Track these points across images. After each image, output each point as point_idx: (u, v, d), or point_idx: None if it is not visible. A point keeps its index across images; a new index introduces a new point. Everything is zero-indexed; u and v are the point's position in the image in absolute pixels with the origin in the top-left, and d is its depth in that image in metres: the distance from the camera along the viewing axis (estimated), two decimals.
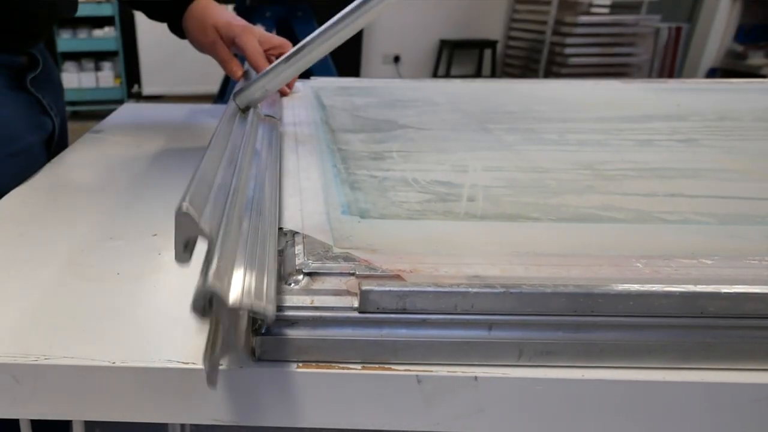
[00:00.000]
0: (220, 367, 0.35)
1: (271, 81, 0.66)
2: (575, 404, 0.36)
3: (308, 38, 0.61)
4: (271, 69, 0.66)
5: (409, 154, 0.61)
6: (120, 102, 5.08)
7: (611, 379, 0.35)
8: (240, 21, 0.84)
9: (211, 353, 0.31)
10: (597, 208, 0.47)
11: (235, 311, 0.30)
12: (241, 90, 0.67)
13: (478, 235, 0.42)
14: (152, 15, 0.88)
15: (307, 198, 0.48)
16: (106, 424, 0.46)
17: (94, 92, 5.01)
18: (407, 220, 0.45)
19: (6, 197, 0.59)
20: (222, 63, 0.84)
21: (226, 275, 0.30)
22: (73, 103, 4.97)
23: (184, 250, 0.34)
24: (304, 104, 0.84)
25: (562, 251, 0.39)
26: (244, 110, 0.67)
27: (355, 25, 0.57)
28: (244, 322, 0.32)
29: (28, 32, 0.71)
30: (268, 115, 0.69)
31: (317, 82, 1.04)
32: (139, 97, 5.32)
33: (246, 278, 0.32)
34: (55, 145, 0.78)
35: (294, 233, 0.42)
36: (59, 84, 0.82)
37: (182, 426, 1.04)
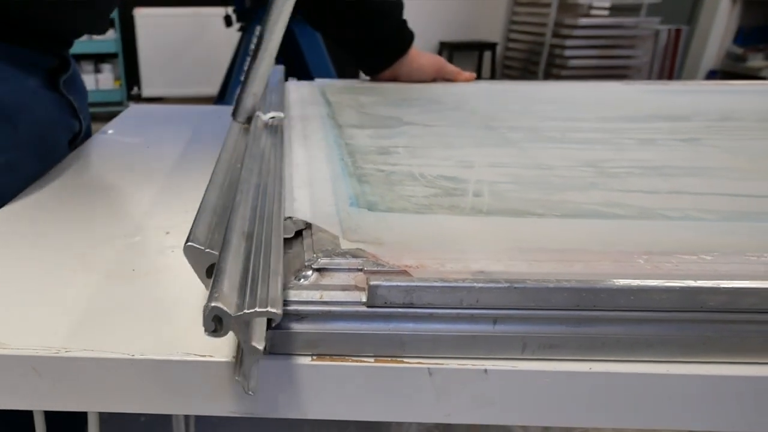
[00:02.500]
0: (236, 360, 0.36)
1: (253, 83, 0.68)
2: (583, 396, 0.37)
3: (262, 30, 0.67)
4: (248, 73, 0.68)
5: (416, 150, 0.61)
6: (120, 104, 5.08)
7: (617, 372, 0.36)
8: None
9: (240, 365, 0.33)
10: (600, 204, 0.48)
11: (243, 321, 0.31)
12: (236, 107, 0.70)
13: (484, 229, 0.43)
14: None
15: (316, 190, 0.49)
16: (114, 415, 0.47)
17: (94, 94, 5.00)
18: (414, 214, 0.46)
19: (20, 196, 0.60)
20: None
21: (230, 290, 0.32)
22: None
23: (208, 278, 0.36)
24: (311, 101, 0.85)
25: (565, 247, 0.40)
26: (248, 121, 0.68)
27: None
28: (262, 328, 0.33)
29: (60, 36, 0.72)
30: (272, 117, 0.70)
31: (322, 81, 1.05)
32: (138, 99, 5.32)
33: (250, 286, 0.33)
34: (77, 146, 0.79)
35: (304, 226, 0.43)
36: (84, 88, 0.83)
37: (186, 418, 1.05)
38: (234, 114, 0.70)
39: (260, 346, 0.32)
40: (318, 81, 1.05)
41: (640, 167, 0.57)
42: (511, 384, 0.36)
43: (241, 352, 0.33)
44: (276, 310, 0.31)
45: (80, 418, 0.51)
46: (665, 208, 0.48)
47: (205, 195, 0.44)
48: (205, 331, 0.30)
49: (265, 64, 0.67)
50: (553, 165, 0.57)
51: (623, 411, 0.37)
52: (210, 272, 0.37)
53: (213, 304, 0.30)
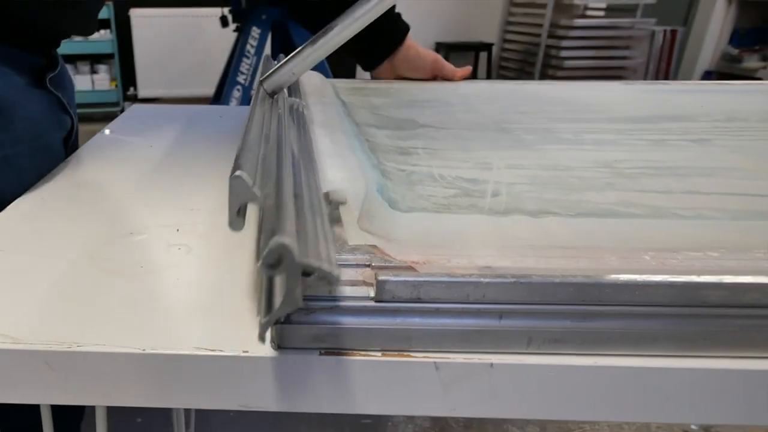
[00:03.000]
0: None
1: (299, 65, 0.67)
2: (587, 390, 0.37)
3: (336, 20, 0.64)
4: (299, 52, 0.66)
5: (434, 152, 0.62)
6: (116, 105, 5.08)
7: (621, 366, 0.36)
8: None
9: (268, 311, 0.33)
10: (616, 204, 0.49)
11: (300, 269, 0.30)
12: (269, 75, 0.67)
13: (500, 229, 0.44)
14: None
15: (344, 176, 0.49)
16: (110, 415, 0.48)
17: (90, 95, 5.00)
18: (433, 213, 0.46)
19: (25, 195, 0.60)
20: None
21: (291, 233, 0.31)
22: None
23: (237, 216, 0.35)
24: (325, 96, 0.85)
25: (577, 245, 0.41)
26: (272, 95, 0.67)
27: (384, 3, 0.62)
28: (301, 283, 0.33)
29: (47, 36, 0.73)
30: (294, 101, 0.70)
31: (331, 81, 1.04)
32: (134, 99, 5.31)
33: (309, 240, 0.32)
34: (72, 143, 0.79)
35: (343, 201, 0.43)
36: (72, 85, 0.84)
37: (187, 418, 1.06)
38: (263, 81, 0.68)
39: (300, 300, 0.31)
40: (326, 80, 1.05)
41: (653, 167, 0.58)
42: (517, 378, 0.37)
43: (269, 300, 0.34)
44: (336, 272, 0.31)
45: (63, 409, 0.52)
46: (678, 208, 0.48)
47: (245, 138, 0.43)
48: (263, 263, 0.29)
49: (321, 53, 0.66)
50: (569, 166, 0.58)
51: (627, 405, 0.38)
52: (240, 212, 0.35)
53: (282, 241, 0.29)
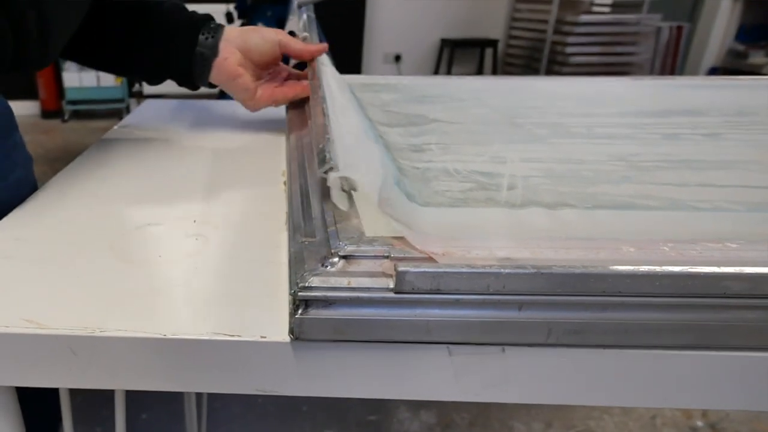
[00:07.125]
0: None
1: None
2: (600, 375, 0.38)
3: None
4: None
5: (447, 147, 0.62)
6: (121, 101, 5.08)
7: (633, 352, 0.37)
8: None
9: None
10: (633, 196, 0.49)
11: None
12: None
13: (517, 221, 0.44)
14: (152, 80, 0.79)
15: (364, 164, 0.49)
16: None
17: (96, 91, 5.00)
18: (449, 207, 0.46)
19: (44, 188, 0.61)
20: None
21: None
22: (74, 102, 4.97)
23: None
24: (344, 91, 0.84)
25: (595, 236, 0.41)
26: (299, 6, 0.65)
27: None
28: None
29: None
30: None
31: (343, 77, 1.04)
32: (140, 96, 5.31)
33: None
34: None
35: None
36: None
37: (198, 406, 1.07)
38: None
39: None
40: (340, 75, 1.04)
41: (667, 161, 0.58)
42: (528, 363, 0.37)
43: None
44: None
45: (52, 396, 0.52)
46: (695, 200, 0.48)
47: None
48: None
49: None
50: (583, 159, 0.58)
51: (640, 390, 0.38)
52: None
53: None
